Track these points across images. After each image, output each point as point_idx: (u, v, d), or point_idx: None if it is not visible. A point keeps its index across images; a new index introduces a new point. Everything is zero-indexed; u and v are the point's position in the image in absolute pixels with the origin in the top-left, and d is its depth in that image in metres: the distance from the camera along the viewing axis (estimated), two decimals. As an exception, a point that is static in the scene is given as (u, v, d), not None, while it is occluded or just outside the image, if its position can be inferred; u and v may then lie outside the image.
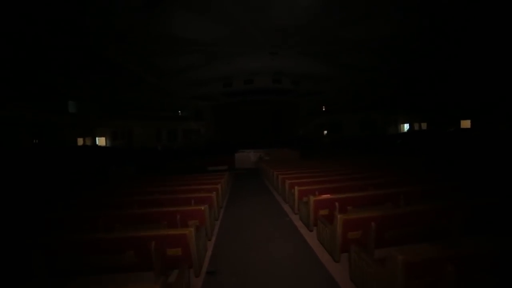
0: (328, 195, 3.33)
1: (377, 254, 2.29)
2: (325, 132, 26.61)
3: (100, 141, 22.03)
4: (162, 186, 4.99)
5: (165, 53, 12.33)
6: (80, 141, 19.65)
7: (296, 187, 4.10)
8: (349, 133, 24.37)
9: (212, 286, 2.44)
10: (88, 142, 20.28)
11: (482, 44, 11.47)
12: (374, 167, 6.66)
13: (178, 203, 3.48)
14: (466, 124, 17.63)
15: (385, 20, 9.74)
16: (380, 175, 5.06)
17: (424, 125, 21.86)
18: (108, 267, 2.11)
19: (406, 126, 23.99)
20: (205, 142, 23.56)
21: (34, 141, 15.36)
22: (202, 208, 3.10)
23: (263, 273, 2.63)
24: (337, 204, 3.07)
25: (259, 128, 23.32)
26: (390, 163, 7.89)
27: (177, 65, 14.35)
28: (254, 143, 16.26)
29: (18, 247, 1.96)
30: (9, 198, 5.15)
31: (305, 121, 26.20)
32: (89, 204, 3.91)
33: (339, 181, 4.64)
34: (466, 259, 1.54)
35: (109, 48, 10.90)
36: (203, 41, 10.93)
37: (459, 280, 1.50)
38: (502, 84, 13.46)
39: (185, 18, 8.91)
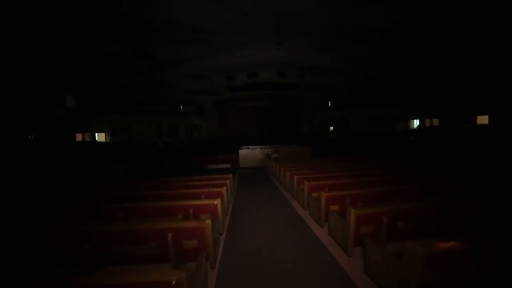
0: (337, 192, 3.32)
1: (388, 248, 2.26)
2: (331, 128, 25.74)
3: (100, 136, 21.45)
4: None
5: (164, 42, 11.52)
6: (79, 137, 19.07)
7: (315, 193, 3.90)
8: (356, 130, 23.47)
9: (226, 277, 2.42)
10: (87, 138, 19.69)
11: (505, 29, 10.47)
12: (383, 165, 6.34)
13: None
14: (483, 120, 16.65)
15: (398, 2, 8.82)
16: (390, 173, 5.03)
17: (436, 121, 20.90)
18: (127, 257, 2.18)
19: (416, 122, 23.03)
20: (207, 138, 22.83)
21: (29, 136, 14.76)
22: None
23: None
24: (348, 200, 3.08)
25: (263, 124, 22.50)
26: (400, 163, 7.04)
27: (176, 56, 13.55)
28: (258, 139, 15.45)
29: (51, 236, 2.10)
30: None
31: (310, 117, 25.34)
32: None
33: (348, 177, 4.63)
34: (483, 253, 1.57)
35: (104, 36, 10.13)
36: (204, 28, 10.09)
37: (476, 273, 1.54)
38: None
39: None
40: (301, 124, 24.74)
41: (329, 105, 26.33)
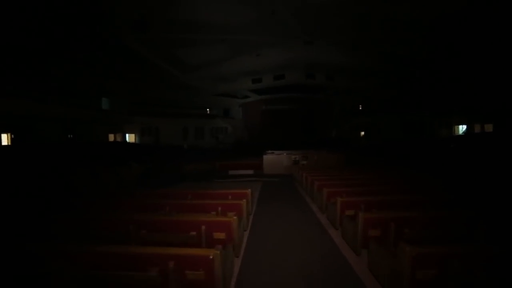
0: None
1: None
2: (362, 133, 24.12)
3: (130, 137, 22.47)
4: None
5: (189, 43, 11.47)
6: (111, 137, 20.09)
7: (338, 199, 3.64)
8: (390, 135, 21.63)
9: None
10: (119, 138, 20.68)
11: None
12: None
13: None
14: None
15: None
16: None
17: (489, 127, 18.32)
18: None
19: (461, 128, 20.49)
20: (232, 142, 22.69)
21: (69, 136, 15.78)
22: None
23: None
24: (362, 206, 3.20)
25: (290, 128, 21.74)
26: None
27: (201, 57, 13.50)
28: (284, 144, 14.76)
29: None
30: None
31: (339, 121, 24.00)
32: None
33: (364, 185, 4.68)
34: (470, 257, 1.71)
35: (128, 37, 10.27)
36: (229, 27, 9.78)
37: (462, 275, 1.68)
38: None
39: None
40: (329, 129, 23.51)
41: (360, 109, 24.73)
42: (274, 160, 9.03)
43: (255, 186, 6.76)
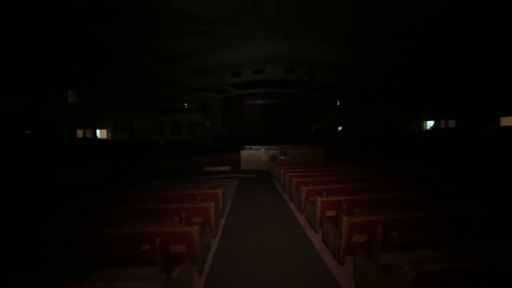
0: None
1: (383, 258, 2.28)
2: (339, 128, 24.77)
3: (102, 133, 21.10)
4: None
5: (165, 33, 10.82)
6: (80, 133, 18.70)
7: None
8: (366, 131, 22.45)
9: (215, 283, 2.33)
10: (89, 134, 19.31)
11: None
12: (392, 171, 5.82)
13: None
14: (508, 121, 15.42)
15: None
16: (393, 177, 4.77)
17: (452, 123, 19.70)
18: (115, 260, 2.22)
19: (429, 124, 21.85)
20: (211, 137, 22.16)
21: (27, 131, 14.36)
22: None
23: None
24: (344, 205, 2.99)
25: (269, 123, 21.65)
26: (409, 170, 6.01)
27: (179, 49, 12.85)
28: (263, 139, 14.62)
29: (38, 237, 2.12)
30: None
31: (317, 116, 24.40)
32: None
33: (347, 182, 4.41)
34: (475, 272, 1.48)
35: (102, 27, 9.48)
36: (207, 17, 9.33)
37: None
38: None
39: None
40: (308, 124, 23.82)
41: (338, 104, 25.32)
42: (252, 155, 8.78)
43: (231, 183, 6.45)
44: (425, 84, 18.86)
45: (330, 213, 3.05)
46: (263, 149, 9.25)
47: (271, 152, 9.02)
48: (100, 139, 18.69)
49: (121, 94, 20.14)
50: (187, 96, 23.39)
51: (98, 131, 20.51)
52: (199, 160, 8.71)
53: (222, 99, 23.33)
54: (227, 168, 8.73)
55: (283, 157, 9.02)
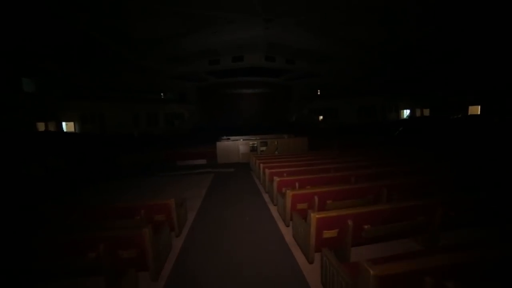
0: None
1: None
2: (321, 117, 24.82)
3: (68, 126, 19.36)
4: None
5: (136, 14, 9.73)
6: (41, 126, 16.95)
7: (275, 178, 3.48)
8: (346, 119, 22.68)
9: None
10: (52, 128, 17.59)
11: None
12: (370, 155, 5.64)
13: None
14: (475, 110, 16.23)
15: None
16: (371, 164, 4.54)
17: (426, 111, 20.42)
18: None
19: (406, 112, 22.54)
20: (189, 128, 21.21)
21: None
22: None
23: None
24: (316, 198, 2.78)
25: (249, 112, 21.11)
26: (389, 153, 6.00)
27: (153, 33, 11.78)
28: (244, 129, 14.12)
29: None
30: None
31: (299, 105, 24.21)
32: None
33: (322, 171, 4.08)
34: (443, 270, 1.46)
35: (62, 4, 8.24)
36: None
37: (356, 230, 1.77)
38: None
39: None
40: (289, 113, 23.59)
41: (318, 94, 25.28)
42: (230, 147, 8.20)
43: (203, 180, 5.78)
44: (402, 74, 19.22)
45: (302, 206, 2.88)
46: (241, 139, 8.70)
47: (251, 143, 8.51)
48: (59, 132, 17.05)
49: (90, 82, 18.45)
50: (164, 86, 22.07)
51: (64, 123, 18.79)
52: (171, 153, 7.97)
53: (201, 88, 22.32)
54: (203, 161, 8.09)
55: (263, 148, 8.55)
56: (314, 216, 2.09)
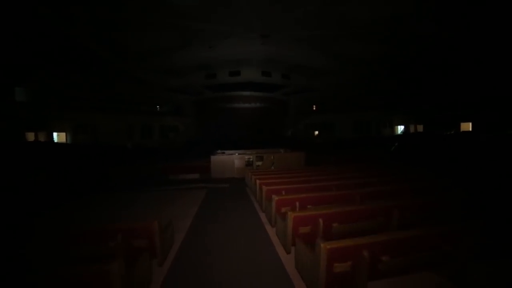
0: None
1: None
2: (316, 132, 24.91)
3: (60, 136, 18.89)
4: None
5: (133, 26, 9.77)
6: (30, 136, 16.48)
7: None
8: (342, 134, 22.79)
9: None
10: (42, 138, 17.11)
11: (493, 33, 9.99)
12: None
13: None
14: (466, 126, 16.50)
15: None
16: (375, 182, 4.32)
17: (420, 127, 20.69)
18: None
19: (400, 128, 22.80)
20: (184, 141, 20.93)
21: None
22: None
23: None
24: (321, 220, 2.52)
25: (245, 127, 21.03)
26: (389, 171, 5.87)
27: (148, 44, 11.80)
28: (238, 143, 13.93)
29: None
30: None
31: (294, 120, 24.34)
32: None
33: (309, 182, 4.18)
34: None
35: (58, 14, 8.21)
36: (179, 9, 8.52)
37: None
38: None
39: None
40: (285, 128, 23.61)
41: (314, 109, 25.54)
42: (224, 161, 7.96)
43: (196, 196, 5.46)
44: (397, 90, 19.65)
45: (304, 229, 2.60)
46: (237, 154, 8.49)
47: (246, 157, 8.30)
48: (47, 142, 16.55)
49: (83, 93, 18.25)
50: (159, 98, 22.02)
51: (55, 134, 18.33)
52: (163, 167, 7.66)
53: (197, 101, 22.31)
54: (196, 176, 7.78)
55: (259, 163, 8.33)
56: (324, 247, 1.79)
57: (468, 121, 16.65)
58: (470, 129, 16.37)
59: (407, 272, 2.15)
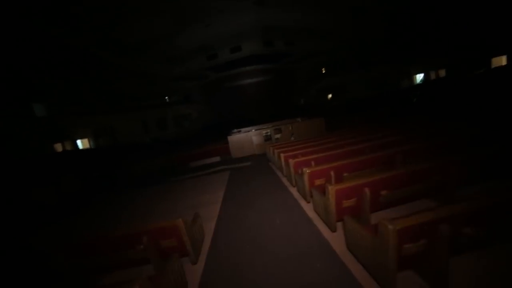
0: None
1: (373, 217, 2.32)
2: (329, 96, 23.94)
3: (83, 143, 19.81)
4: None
5: (127, 17, 9.44)
6: (58, 147, 17.41)
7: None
8: (356, 93, 21.73)
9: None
10: (69, 147, 18.04)
11: None
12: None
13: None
14: (499, 61, 14.83)
15: None
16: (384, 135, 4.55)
17: (442, 72, 19.05)
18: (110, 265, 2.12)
19: (419, 77, 21.16)
20: (200, 127, 21.12)
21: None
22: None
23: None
24: (332, 172, 2.85)
25: (257, 102, 20.64)
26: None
27: (141, 34, 11.45)
28: (256, 120, 13.75)
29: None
30: None
31: (305, 88, 23.41)
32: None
33: (337, 148, 4.08)
34: (455, 218, 1.48)
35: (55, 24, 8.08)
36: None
37: (452, 238, 1.49)
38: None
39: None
40: (296, 97, 22.89)
41: (324, 72, 24.29)
42: (242, 140, 7.86)
43: (220, 180, 5.35)
44: (411, 36, 17.91)
45: (319, 181, 2.98)
46: (253, 130, 8.33)
47: (264, 132, 8.14)
48: (73, 150, 17.45)
49: (95, 97, 18.65)
50: (167, 89, 22.00)
51: (79, 141, 19.21)
52: (182, 156, 7.73)
53: (204, 86, 22.01)
54: (217, 159, 7.81)
55: (278, 136, 8.15)
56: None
57: (501, 54, 14.92)
58: (504, 64, 14.73)
59: (405, 202, 2.49)
